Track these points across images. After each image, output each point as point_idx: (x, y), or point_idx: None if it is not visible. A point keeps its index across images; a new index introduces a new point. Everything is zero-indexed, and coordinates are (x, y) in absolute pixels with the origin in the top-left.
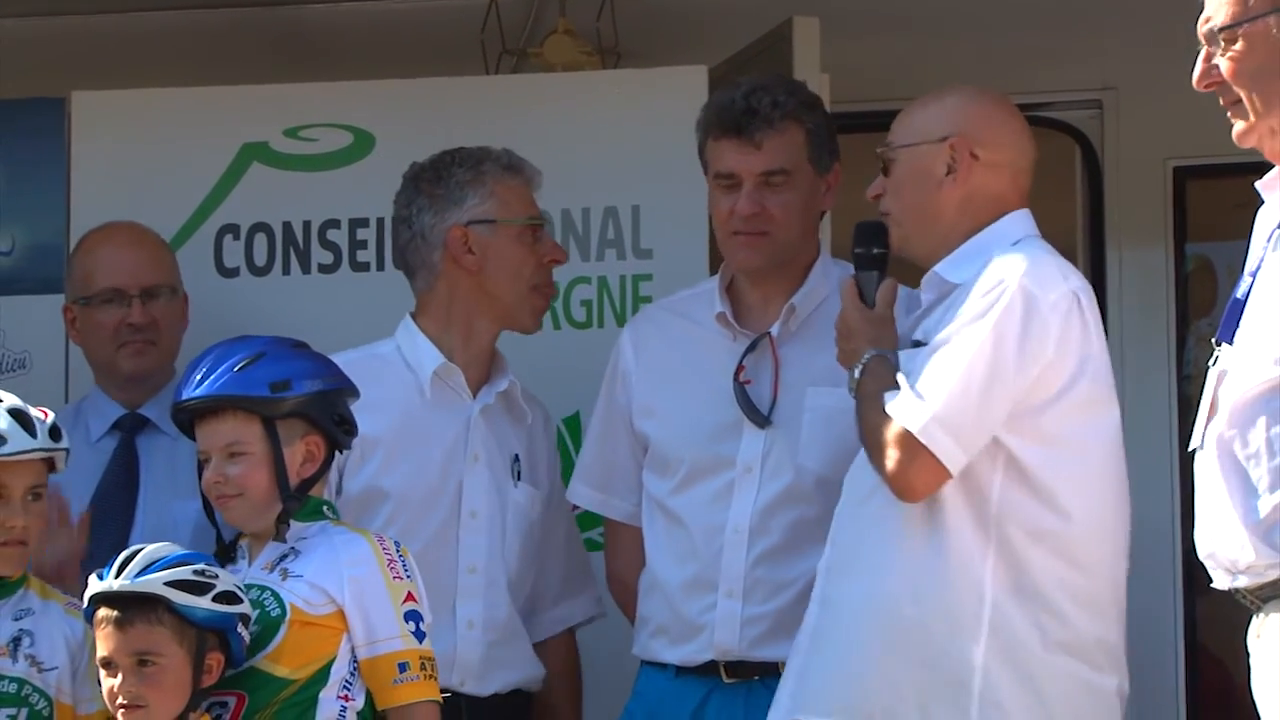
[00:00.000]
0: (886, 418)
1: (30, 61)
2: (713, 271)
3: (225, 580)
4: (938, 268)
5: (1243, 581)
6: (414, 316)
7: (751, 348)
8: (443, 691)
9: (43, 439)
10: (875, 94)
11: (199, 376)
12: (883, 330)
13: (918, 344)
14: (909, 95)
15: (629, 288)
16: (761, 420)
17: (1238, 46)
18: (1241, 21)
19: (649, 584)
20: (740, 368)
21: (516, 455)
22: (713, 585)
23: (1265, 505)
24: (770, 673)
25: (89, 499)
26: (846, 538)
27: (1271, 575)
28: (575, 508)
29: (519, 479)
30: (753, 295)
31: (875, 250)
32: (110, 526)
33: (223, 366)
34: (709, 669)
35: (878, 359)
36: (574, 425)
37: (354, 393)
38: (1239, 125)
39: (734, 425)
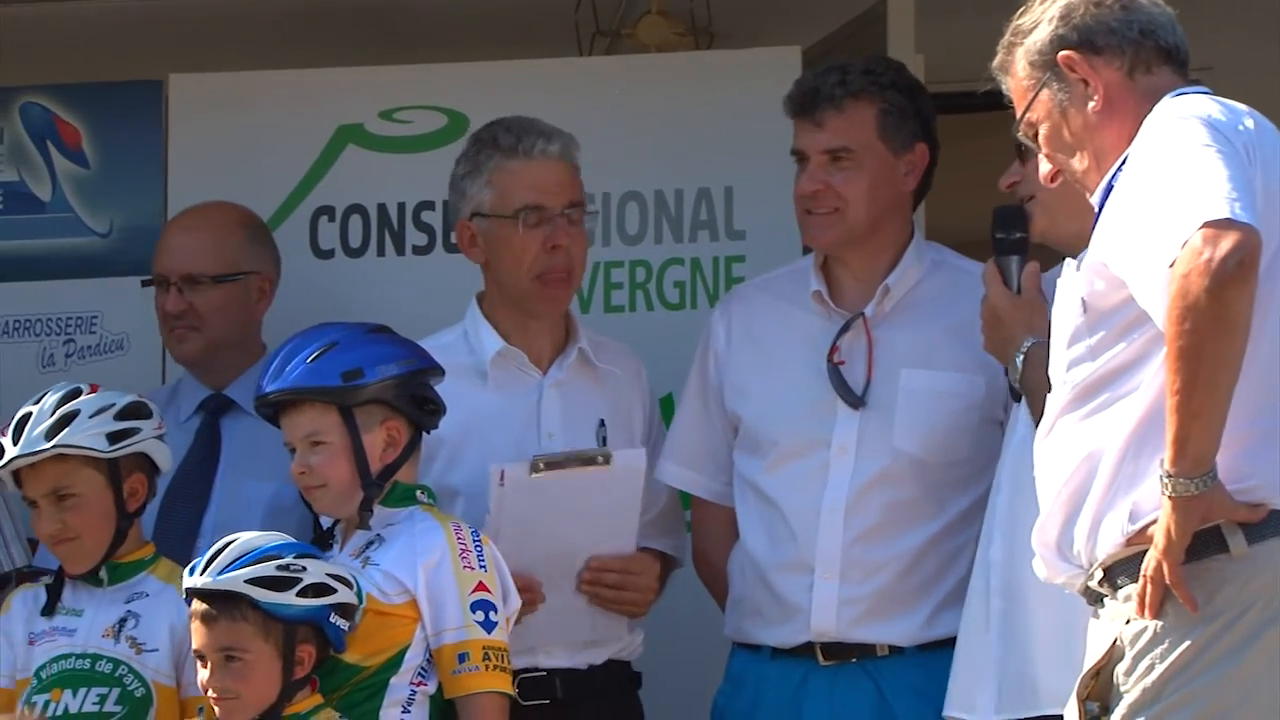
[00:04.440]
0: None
1: (128, 45)
2: (806, 252)
3: (314, 572)
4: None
5: None
6: (479, 298)
7: (845, 328)
8: (533, 670)
9: (28, 445)
10: (970, 74)
11: (275, 369)
12: (1035, 316)
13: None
14: None
15: (722, 269)
16: (856, 401)
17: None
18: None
19: (742, 565)
20: (834, 348)
21: (601, 420)
22: (809, 566)
23: None
24: (867, 654)
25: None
26: (1020, 526)
27: None
28: None
29: (604, 444)
30: (846, 276)
31: (1016, 235)
32: (186, 506)
33: (296, 359)
34: (804, 650)
35: (1039, 346)
36: (667, 406)
37: (437, 372)
38: None
39: (828, 405)
